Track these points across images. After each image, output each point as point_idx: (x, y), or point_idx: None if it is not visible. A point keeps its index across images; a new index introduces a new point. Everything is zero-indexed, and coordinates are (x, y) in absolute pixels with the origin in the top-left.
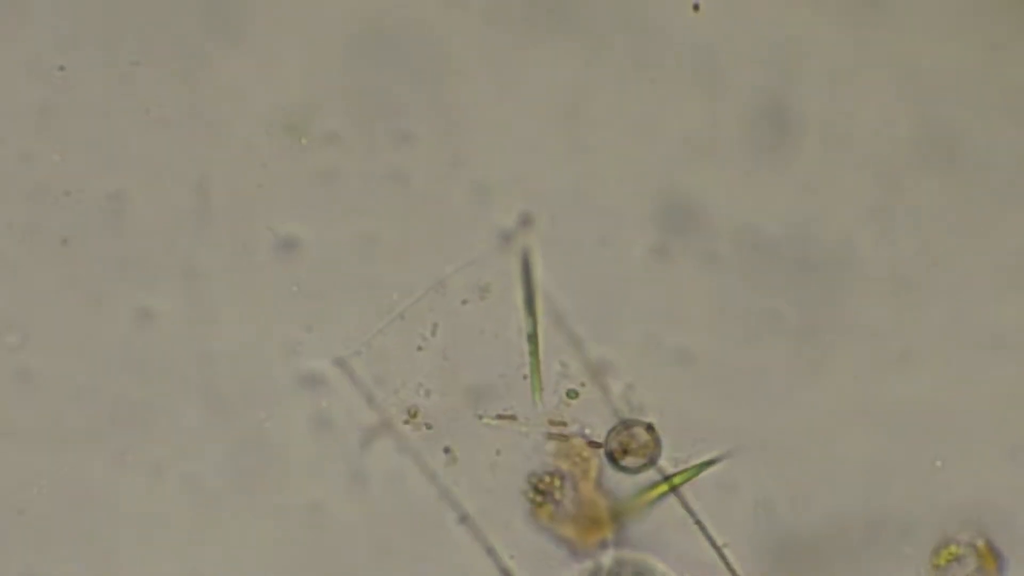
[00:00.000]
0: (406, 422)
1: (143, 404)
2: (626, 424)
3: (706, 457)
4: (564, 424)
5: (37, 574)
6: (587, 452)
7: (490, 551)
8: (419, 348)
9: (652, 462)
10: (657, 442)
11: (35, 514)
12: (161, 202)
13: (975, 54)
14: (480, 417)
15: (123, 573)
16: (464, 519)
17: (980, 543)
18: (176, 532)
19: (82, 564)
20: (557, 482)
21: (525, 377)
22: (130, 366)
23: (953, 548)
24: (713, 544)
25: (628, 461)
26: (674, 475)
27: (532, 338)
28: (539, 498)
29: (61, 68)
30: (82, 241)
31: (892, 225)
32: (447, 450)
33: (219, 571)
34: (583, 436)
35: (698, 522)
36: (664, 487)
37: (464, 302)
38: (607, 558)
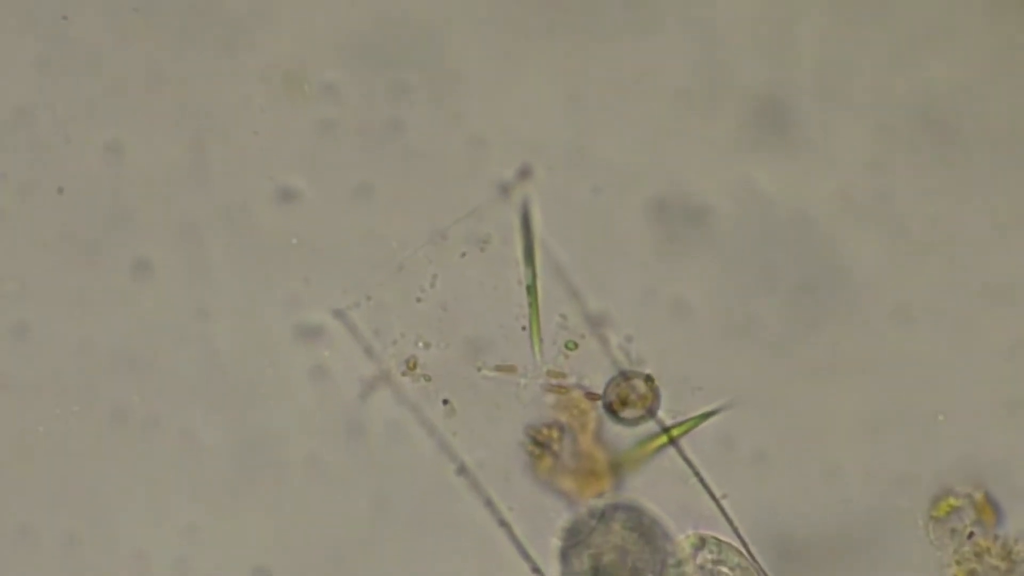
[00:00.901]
0: (405, 374)
1: (140, 357)
2: (625, 376)
3: (704, 409)
4: (563, 376)
5: (35, 528)
6: (586, 404)
7: (488, 503)
8: (418, 300)
9: (651, 414)
10: (656, 394)
11: (33, 468)
12: (158, 154)
13: (974, 11)
14: (479, 369)
15: (121, 526)
16: (462, 471)
17: (978, 495)
18: (174, 486)
19: (80, 518)
20: (555, 434)
21: (524, 329)
22: (127, 319)
23: (951, 500)
24: (711, 496)
25: (627, 413)
26: (672, 427)
27: (531, 290)
28: (537, 450)
29: (64, 18)
30: (79, 192)
31: (890, 179)
32: (446, 402)
33: (217, 524)
34: (582, 388)
35: (697, 474)
36: (663, 439)
37: (463, 254)
38: (600, 502)
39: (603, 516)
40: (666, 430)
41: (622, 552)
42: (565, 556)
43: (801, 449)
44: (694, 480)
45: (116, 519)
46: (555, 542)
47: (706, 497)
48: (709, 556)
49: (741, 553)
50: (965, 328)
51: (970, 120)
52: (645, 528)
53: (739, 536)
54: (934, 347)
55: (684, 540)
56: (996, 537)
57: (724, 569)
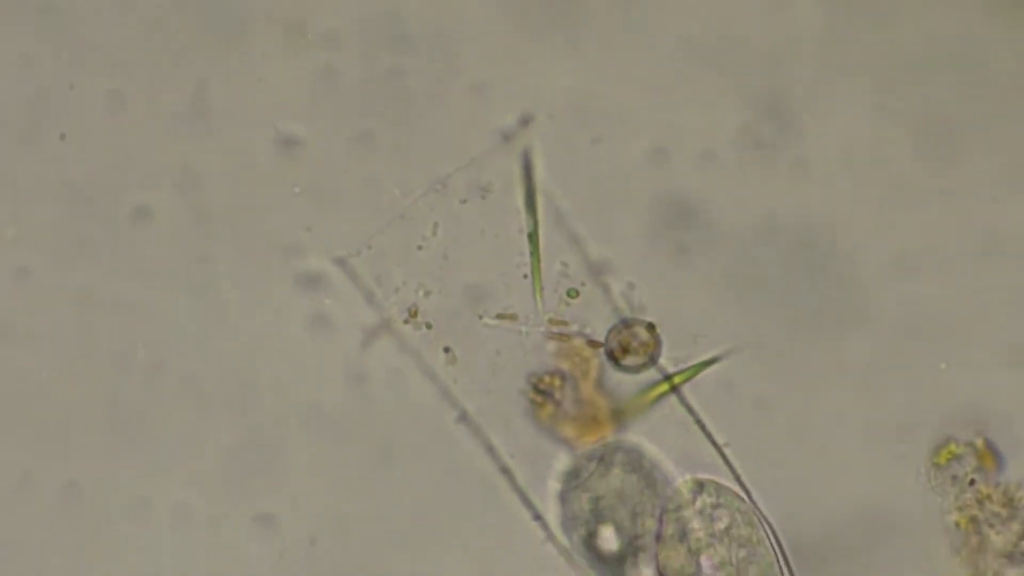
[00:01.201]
0: (406, 322)
1: (141, 304)
2: (626, 323)
3: (706, 357)
4: (564, 324)
5: (36, 475)
6: (587, 352)
7: (490, 450)
8: (419, 248)
9: (652, 361)
10: (657, 341)
11: (34, 415)
12: (160, 101)
13: None
14: (480, 317)
15: (122, 473)
16: (463, 418)
17: (979, 442)
18: (175, 433)
19: (82, 462)
20: (557, 382)
21: (525, 277)
22: (127, 265)
23: (952, 447)
24: (713, 443)
25: (628, 360)
26: (674, 374)
27: (532, 238)
28: (539, 398)
29: None
30: (80, 138)
31: (889, 128)
32: (447, 350)
33: (218, 471)
34: (583, 336)
35: (698, 421)
36: (664, 386)
37: (464, 202)
38: (599, 446)
39: (602, 459)
40: (668, 378)
41: (621, 495)
42: (564, 499)
43: (803, 397)
44: (696, 427)
45: (117, 466)
46: (554, 485)
47: (708, 444)
48: (708, 500)
49: (740, 497)
50: (967, 277)
51: (971, 68)
52: (644, 471)
53: (741, 483)
54: (935, 296)
55: (683, 485)
56: (997, 484)
57: (723, 512)
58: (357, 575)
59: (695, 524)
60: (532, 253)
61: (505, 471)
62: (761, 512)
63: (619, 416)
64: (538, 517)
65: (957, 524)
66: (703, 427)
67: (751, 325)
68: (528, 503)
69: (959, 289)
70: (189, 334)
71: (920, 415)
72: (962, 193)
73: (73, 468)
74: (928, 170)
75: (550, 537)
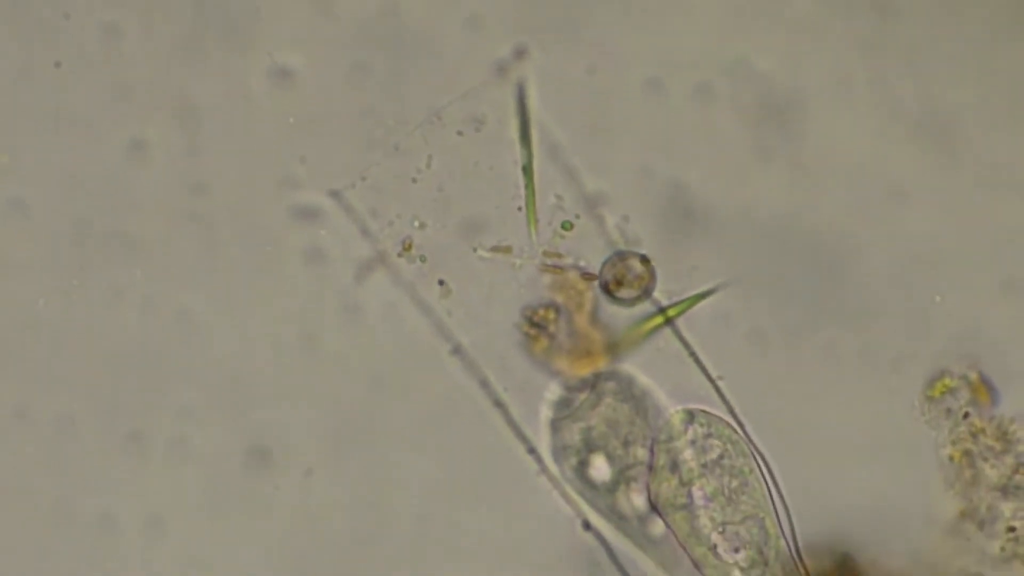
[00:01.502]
0: (400, 255)
1: (136, 237)
2: (621, 256)
3: (700, 289)
4: (559, 256)
5: (31, 408)
6: (582, 284)
7: (484, 383)
8: (414, 180)
9: (647, 294)
10: (652, 274)
11: (28, 347)
12: (156, 31)
13: None
14: (475, 249)
15: (118, 406)
16: (457, 351)
17: (973, 376)
18: (169, 364)
19: (76, 396)
20: (552, 314)
21: (520, 209)
22: (123, 198)
23: (947, 380)
24: (707, 376)
25: (623, 293)
26: (669, 307)
27: (527, 170)
28: (533, 331)
29: None
30: (76, 68)
31: (886, 61)
32: (441, 282)
33: (214, 404)
34: (578, 268)
35: (692, 354)
36: (659, 319)
37: (459, 134)
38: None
39: (594, 388)
40: (662, 310)
41: (612, 424)
42: (556, 428)
43: (796, 330)
44: (690, 360)
45: (112, 399)
46: (546, 413)
47: (702, 377)
48: (700, 430)
49: (731, 426)
50: (962, 210)
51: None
52: (636, 400)
53: (734, 416)
54: (931, 228)
55: (674, 415)
56: (991, 417)
57: (715, 442)
58: (352, 507)
59: (687, 455)
60: (526, 186)
61: (499, 404)
62: (753, 443)
63: (613, 349)
64: (532, 450)
65: (951, 457)
66: (697, 360)
67: (746, 257)
68: (522, 436)
69: (953, 222)
70: (184, 267)
71: (914, 348)
72: (958, 125)
73: (67, 401)
74: (927, 101)
75: (543, 470)
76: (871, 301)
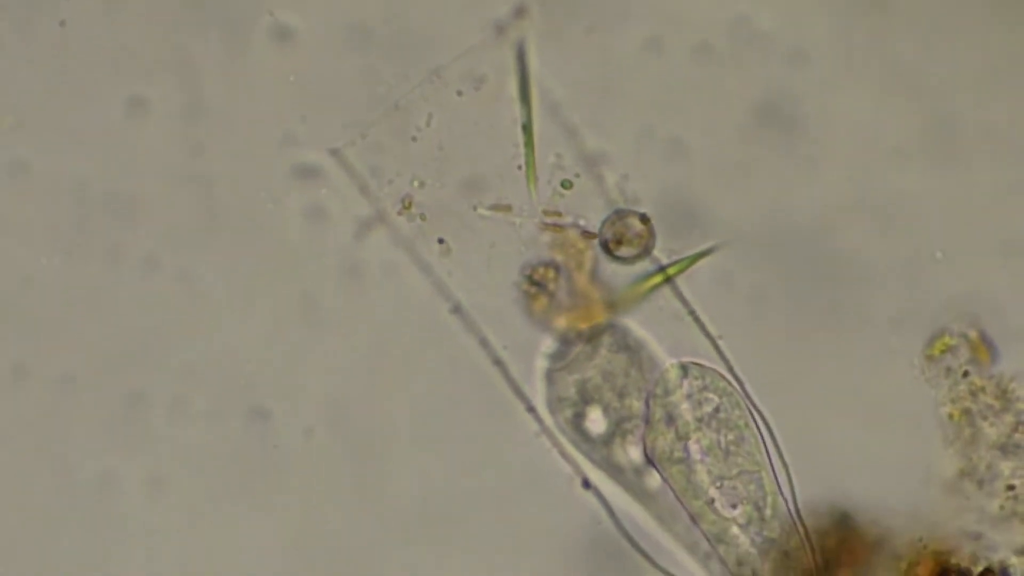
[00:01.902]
0: (400, 213)
1: (136, 196)
2: (620, 214)
3: (700, 248)
4: (559, 215)
5: (28, 367)
6: (581, 243)
7: (483, 342)
8: (413, 139)
9: (646, 252)
10: (651, 232)
11: (28, 306)
12: None
13: None
14: (475, 208)
15: (117, 366)
16: (457, 310)
17: (973, 334)
18: (171, 325)
19: (76, 355)
20: (551, 273)
21: (520, 168)
22: (123, 157)
23: (946, 339)
24: (707, 334)
25: (622, 251)
26: (668, 265)
27: (527, 129)
28: (533, 289)
29: None
30: (79, 27)
31: (887, 19)
32: (441, 241)
33: (213, 363)
34: (578, 227)
35: (692, 313)
36: (658, 278)
37: (459, 93)
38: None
39: (590, 340)
40: (662, 268)
41: (608, 375)
42: (551, 379)
43: (797, 288)
44: (690, 319)
45: (112, 358)
46: (541, 364)
47: (701, 336)
48: (695, 383)
49: (724, 378)
50: (962, 168)
51: None
52: (631, 351)
53: (734, 375)
54: (931, 187)
55: (669, 369)
56: (990, 376)
57: (711, 396)
58: (352, 466)
59: (683, 408)
60: (526, 144)
61: (498, 363)
62: (749, 396)
63: (613, 308)
64: (531, 408)
65: (950, 416)
66: (696, 318)
67: (745, 216)
68: (521, 395)
69: (953, 181)
70: (183, 226)
71: (913, 307)
72: (955, 87)
73: (67, 361)
74: (926, 62)
75: (543, 429)
76: (871, 258)
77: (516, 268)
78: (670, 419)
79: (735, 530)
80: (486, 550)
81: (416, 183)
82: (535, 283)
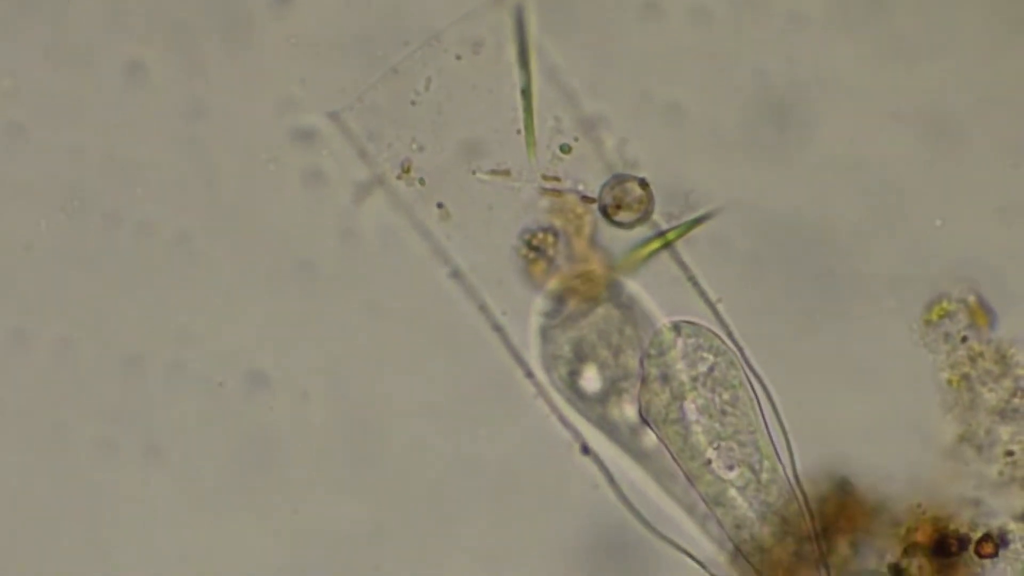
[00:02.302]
0: (399, 177)
1: (133, 161)
2: (619, 179)
3: (699, 212)
4: (558, 180)
5: (28, 331)
6: (580, 208)
7: (482, 307)
8: (412, 103)
9: (645, 217)
10: (650, 197)
11: (25, 270)
12: None
13: None
14: (473, 172)
15: (115, 329)
16: (455, 275)
17: (971, 299)
18: (168, 289)
19: (74, 319)
20: (550, 238)
21: (519, 132)
22: (120, 121)
23: (945, 304)
24: (706, 299)
25: (622, 216)
26: (668, 230)
27: (526, 93)
28: (532, 254)
29: None
30: None
31: None
32: (440, 205)
33: (211, 327)
34: (576, 192)
35: (691, 278)
36: (657, 242)
37: (458, 57)
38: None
39: (588, 304)
40: (661, 234)
41: (603, 333)
42: (546, 336)
43: (795, 252)
44: (688, 283)
45: (109, 322)
46: (536, 320)
47: (701, 300)
48: (690, 342)
49: (719, 337)
50: (959, 134)
51: None
52: (625, 307)
53: (734, 340)
54: (928, 152)
55: (664, 329)
56: (989, 341)
57: (705, 355)
58: (349, 432)
59: (677, 368)
60: (525, 108)
61: (497, 328)
62: (744, 355)
63: (612, 272)
64: (530, 374)
65: (949, 381)
66: (696, 283)
67: (744, 181)
68: (520, 360)
69: (951, 147)
70: (182, 191)
71: (912, 273)
72: (953, 51)
73: (65, 324)
74: (924, 26)
75: (541, 394)
76: (868, 223)
77: (515, 233)
78: (665, 379)
79: (732, 492)
80: (485, 522)
81: (415, 147)
82: (534, 248)
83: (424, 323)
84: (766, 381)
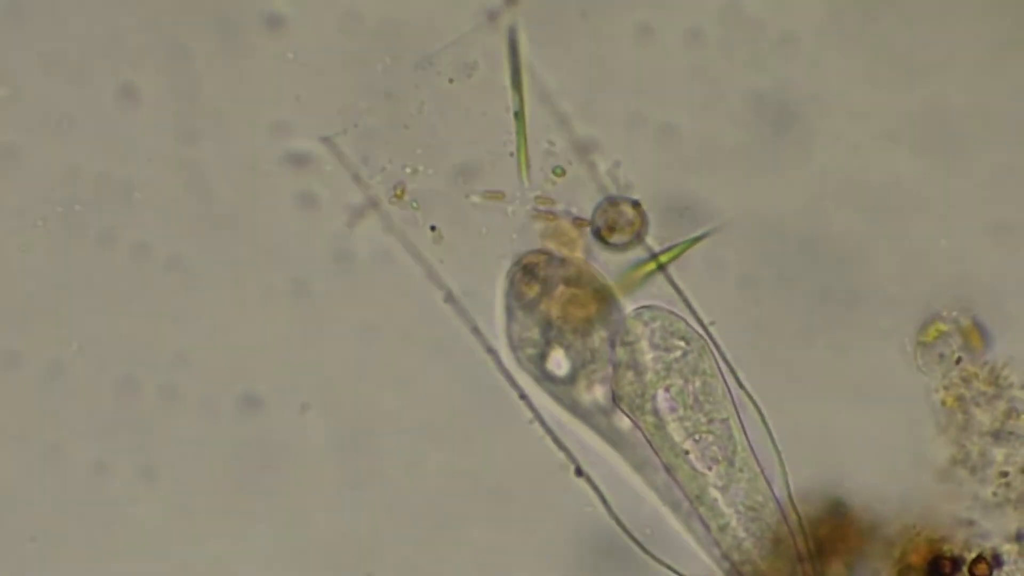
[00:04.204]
0: (392, 201)
1: (126, 182)
2: (612, 201)
3: (692, 234)
4: (551, 202)
5: (22, 354)
6: (574, 230)
7: (475, 330)
8: (405, 127)
9: (639, 239)
10: (643, 219)
11: (18, 293)
12: None
13: None
14: (467, 195)
15: (108, 352)
16: (449, 298)
17: (966, 320)
18: (160, 310)
19: (67, 341)
20: (543, 260)
21: (512, 155)
22: (115, 143)
23: (939, 325)
24: (699, 321)
25: (615, 238)
26: (661, 252)
27: (518, 116)
28: (526, 276)
29: None
30: (69, 11)
31: (874, 4)
32: (433, 228)
33: (205, 349)
34: (570, 214)
35: (684, 299)
36: (651, 265)
37: (451, 80)
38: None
39: (545, 281)
40: (655, 256)
41: (568, 314)
42: (511, 316)
43: (789, 270)
44: (682, 305)
45: (103, 342)
46: (501, 302)
47: (694, 321)
48: (655, 325)
49: (682, 319)
50: (954, 152)
51: None
52: (591, 285)
53: (726, 361)
54: (923, 171)
55: (631, 317)
56: (984, 362)
57: (678, 342)
58: (344, 455)
59: (648, 356)
60: (518, 131)
61: (491, 351)
62: (714, 341)
63: (607, 295)
64: (523, 396)
65: (943, 403)
66: (688, 305)
67: (737, 202)
68: (514, 382)
69: (945, 165)
70: (175, 212)
71: (906, 294)
72: (947, 68)
73: (57, 348)
74: (917, 43)
75: (537, 417)
76: (862, 243)
77: (508, 255)
78: (636, 366)
79: (714, 493)
80: (480, 537)
81: (408, 170)
82: (527, 270)
83: (418, 343)
84: (760, 401)
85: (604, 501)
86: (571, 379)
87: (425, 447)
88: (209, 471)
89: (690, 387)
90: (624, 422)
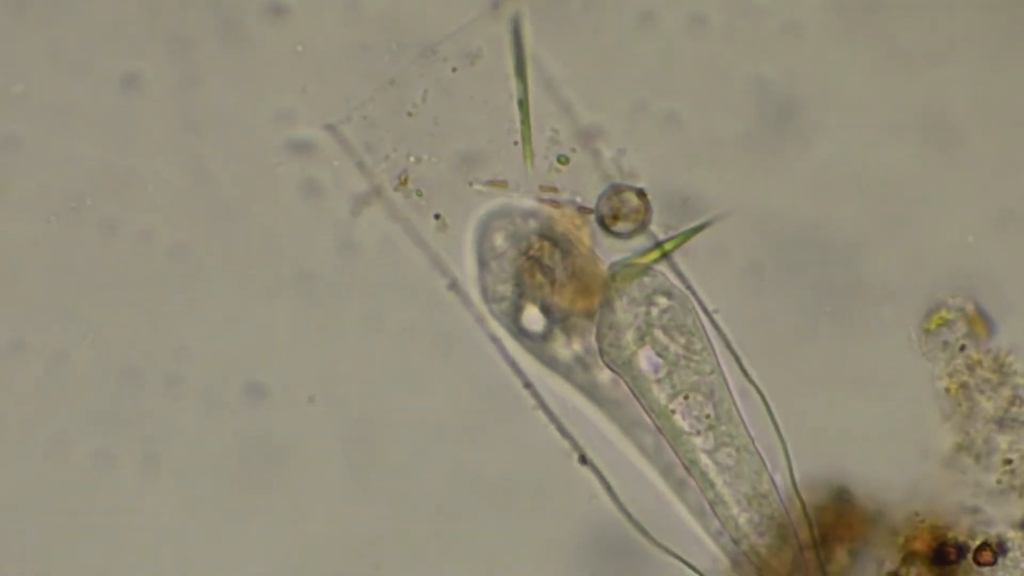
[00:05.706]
0: (396, 189)
1: (129, 172)
2: (617, 189)
3: (696, 223)
4: (555, 190)
5: (25, 342)
6: (578, 218)
7: (479, 319)
8: (409, 114)
9: (643, 227)
10: (648, 207)
11: (22, 282)
12: None
13: None
14: (470, 184)
15: (112, 340)
16: (453, 286)
17: (969, 308)
18: (164, 300)
19: (71, 331)
20: (547, 247)
21: (516, 143)
22: (116, 133)
23: (943, 313)
24: (703, 309)
25: (619, 227)
26: (665, 241)
27: (522, 104)
28: (529, 264)
29: None
30: (69, 4)
31: None
32: (437, 216)
33: (209, 338)
34: (574, 202)
35: (689, 288)
36: (655, 253)
37: (454, 69)
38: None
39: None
40: (658, 244)
41: (542, 269)
42: (484, 266)
43: (792, 260)
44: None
45: (107, 333)
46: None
47: (698, 310)
48: (639, 286)
49: (666, 278)
50: (957, 142)
51: None
52: (560, 241)
53: (732, 351)
54: (927, 160)
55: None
56: (988, 350)
57: (660, 298)
58: (349, 443)
59: (630, 315)
60: (522, 120)
61: (495, 339)
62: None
63: (610, 283)
64: (528, 385)
65: (947, 390)
66: (693, 293)
67: (741, 190)
68: (518, 371)
69: (949, 155)
70: (179, 202)
71: (910, 281)
72: (951, 60)
73: (62, 337)
74: (921, 34)
75: (540, 404)
76: (866, 232)
77: (512, 242)
78: (620, 327)
79: (704, 459)
80: (485, 531)
81: (412, 159)
82: (531, 258)
83: (423, 333)
84: (764, 390)
85: (609, 489)
86: (547, 334)
87: (430, 438)
88: (214, 462)
89: (672, 345)
90: (604, 375)
